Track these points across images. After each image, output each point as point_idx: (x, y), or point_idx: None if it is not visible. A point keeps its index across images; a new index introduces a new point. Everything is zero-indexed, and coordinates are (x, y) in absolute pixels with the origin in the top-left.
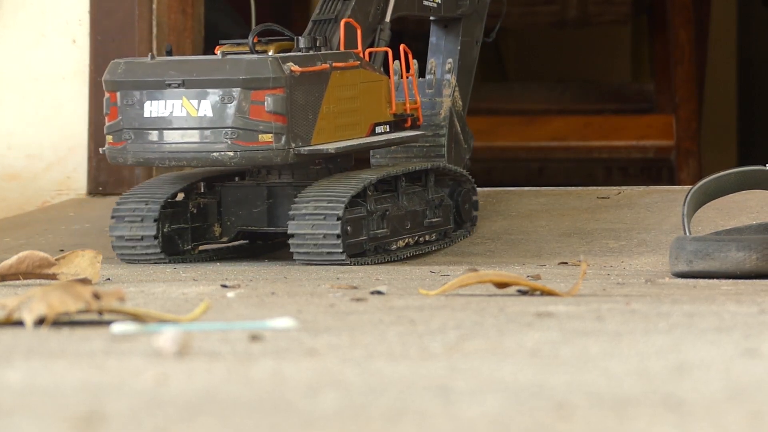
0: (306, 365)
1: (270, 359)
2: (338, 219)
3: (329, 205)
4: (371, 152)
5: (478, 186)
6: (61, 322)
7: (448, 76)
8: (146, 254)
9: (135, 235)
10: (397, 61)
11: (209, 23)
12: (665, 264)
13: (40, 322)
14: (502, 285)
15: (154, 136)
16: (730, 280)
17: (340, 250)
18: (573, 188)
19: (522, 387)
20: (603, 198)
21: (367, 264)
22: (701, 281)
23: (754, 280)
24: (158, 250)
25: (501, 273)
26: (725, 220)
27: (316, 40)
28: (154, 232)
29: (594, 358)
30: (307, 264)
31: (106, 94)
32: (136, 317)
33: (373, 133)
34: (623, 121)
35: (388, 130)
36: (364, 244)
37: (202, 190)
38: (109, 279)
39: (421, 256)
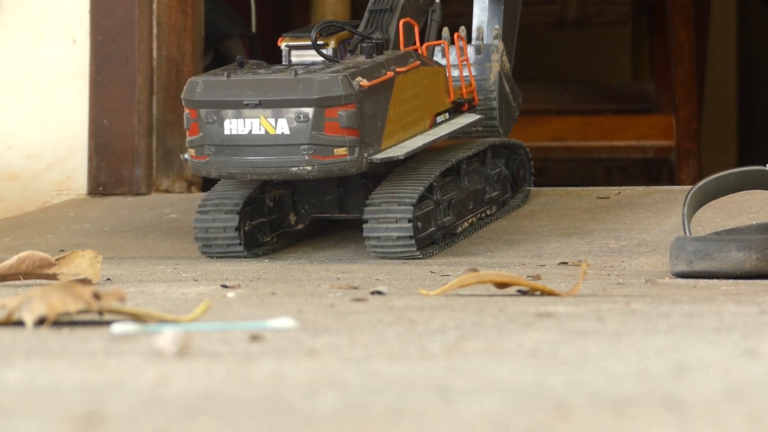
0: (306, 365)
1: (270, 359)
2: (409, 221)
3: (400, 207)
4: None
5: None
6: (61, 322)
7: (495, 41)
8: (231, 252)
9: (218, 228)
10: (446, 27)
11: (208, 23)
12: (665, 264)
13: (41, 322)
14: (502, 285)
15: (235, 151)
16: (730, 281)
17: (414, 247)
18: (573, 188)
19: (521, 387)
20: (603, 198)
21: (438, 253)
22: (701, 281)
23: (754, 281)
24: (242, 250)
25: (501, 273)
26: (725, 221)
27: (379, 45)
28: (235, 223)
29: (594, 358)
30: (383, 259)
31: (186, 111)
32: (136, 317)
33: (435, 123)
34: (623, 121)
35: (447, 117)
36: (434, 234)
37: (276, 184)
38: (109, 279)
39: (424, 260)
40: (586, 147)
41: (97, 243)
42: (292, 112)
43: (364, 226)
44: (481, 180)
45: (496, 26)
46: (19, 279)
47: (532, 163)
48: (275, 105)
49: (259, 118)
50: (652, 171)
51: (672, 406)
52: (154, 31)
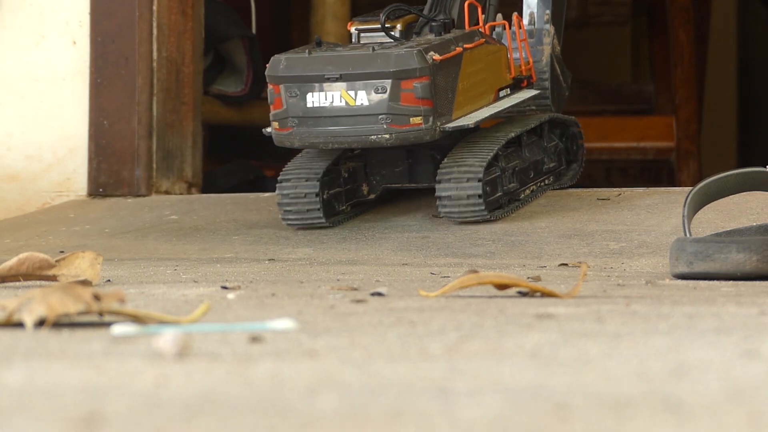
0: (305, 366)
1: (269, 360)
2: (479, 181)
3: (471, 168)
4: None
5: None
6: (61, 323)
7: (546, 25)
8: (311, 218)
9: (300, 193)
10: (500, 14)
11: (208, 24)
12: (665, 265)
13: (40, 323)
14: (502, 286)
15: (317, 123)
16: (731, 282)
17: (482, 206)
18: (573, 189)
19: (521, 388)
20: (603, 199)
21: (504, 216)
22: (701, 283)
23: (755, 282)
24: (321, 216)
25: (501, 274)
26: (725, 222)
27: (446, 24)
28: (316, 190)
29: (593, 359)
30: (455, 222)
31: (270, 86)
32: (136, 318)
33: (498, 97)
34: (623, 122)
35: (509, 92)
36: (500, 199)
37: (350, 157)
38: (109, 280)
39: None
40: (586, 148)
41: (97, 244)
42: (371, 84)
43: (436, 186)
44: (539, 152)
45: (547, 11)
46: (19, 280)
47: (582, 141)
48: (355, 78)
49: (340, 91)
50: (652, 172)
51: (672, 407)
52: (154, 32)
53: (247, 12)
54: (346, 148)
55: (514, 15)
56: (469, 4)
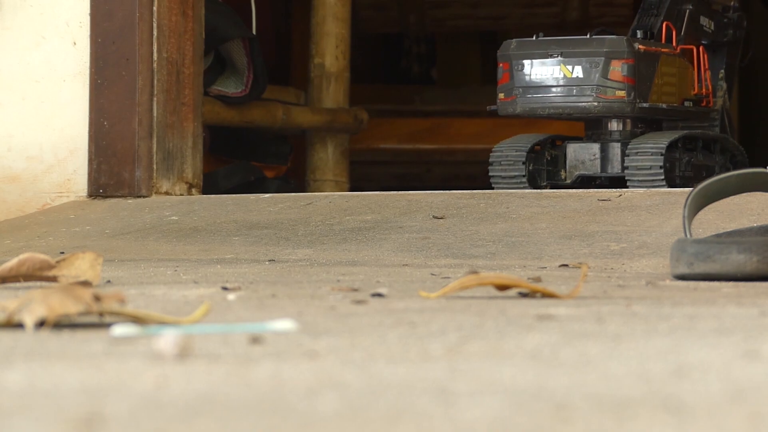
0: (306, 367)
1: (270, 361)
2: (661, 155)
3: (655, 145)
4: None
5: (481, 188)
6: (61, 324)
7: (721, 82)
8: (515, 177)
9: (509, 153)
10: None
11: (209, 25)
12: (666, 266)
13: (41, 324)
14: (502, 287)
15: (537, 92)
16: (731, 283)
17: (662, 175)
18: (574, 190)
19: (522, 389)
20: (604, 200)
21: (681, 185)
22: (702, 283)
23: (755, 283)
24: (525, 182)
25: (502, 275)
26: (726, 223)
27: (647, 33)
28: (523, 172)
29: (594, 359)
30: (639, 187)
31: (500, 65)
32: (136, 319)
33: (682, 104)
34: None
35: (692, 105)
36: (677, 179)
37: (552, 146)
38: (109, 281)
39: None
40: None
41: (98, 245)
42: (586, 60)
43: (626, 158)
44: (710, 160)
45: (722, 71)
46: (20, 281)
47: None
48: (573, 56)
49: (560, 65)
50: None
51: (672, 408)
52: (155, 33)
53: (247, 13)
54: (560, 113)
55: (701, 47)
56: (666, 25)
